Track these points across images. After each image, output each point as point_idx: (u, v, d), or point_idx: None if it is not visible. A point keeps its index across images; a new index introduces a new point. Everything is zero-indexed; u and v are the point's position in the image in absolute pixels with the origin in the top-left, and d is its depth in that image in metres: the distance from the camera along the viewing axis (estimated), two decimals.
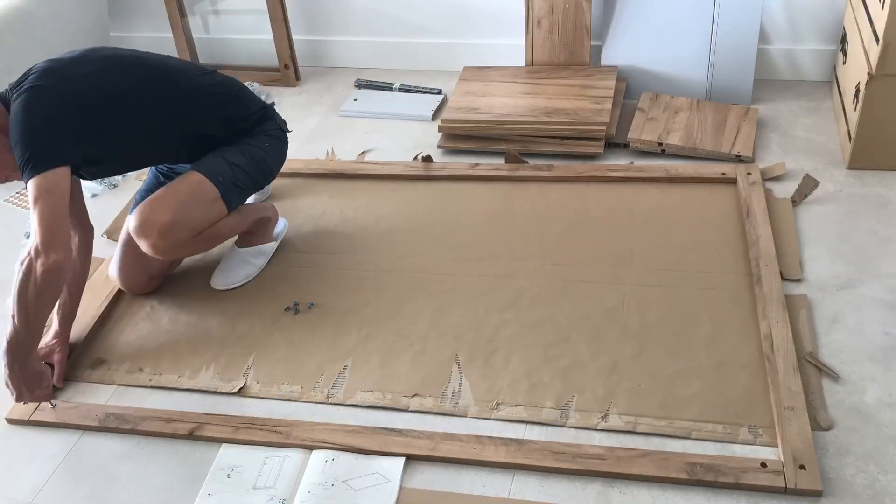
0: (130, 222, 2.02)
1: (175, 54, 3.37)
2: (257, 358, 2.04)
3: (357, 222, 2.46)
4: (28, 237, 2.34)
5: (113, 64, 2.01)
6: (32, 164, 1.81)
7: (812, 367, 1.85)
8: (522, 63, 3.02)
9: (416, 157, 2.74)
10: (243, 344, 2.09)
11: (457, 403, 1.87)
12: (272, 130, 2.22)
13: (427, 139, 2.84)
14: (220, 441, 1.83)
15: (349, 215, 2.49)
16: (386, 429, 1.80)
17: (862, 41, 2.42)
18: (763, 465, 1.63)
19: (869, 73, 2.29)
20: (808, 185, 2.35)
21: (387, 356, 2.00)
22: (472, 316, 2.08)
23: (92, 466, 1.83)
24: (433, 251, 2.31)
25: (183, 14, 3.33)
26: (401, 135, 2.91)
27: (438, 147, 2.77)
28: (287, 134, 2.29)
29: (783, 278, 2.06)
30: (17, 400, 1.88)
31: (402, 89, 3.16)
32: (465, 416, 1.84)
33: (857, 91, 2.39)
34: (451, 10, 3.17)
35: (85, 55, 2.00)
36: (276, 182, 2.56)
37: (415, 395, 1.90)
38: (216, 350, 2.08)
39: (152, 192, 2.16)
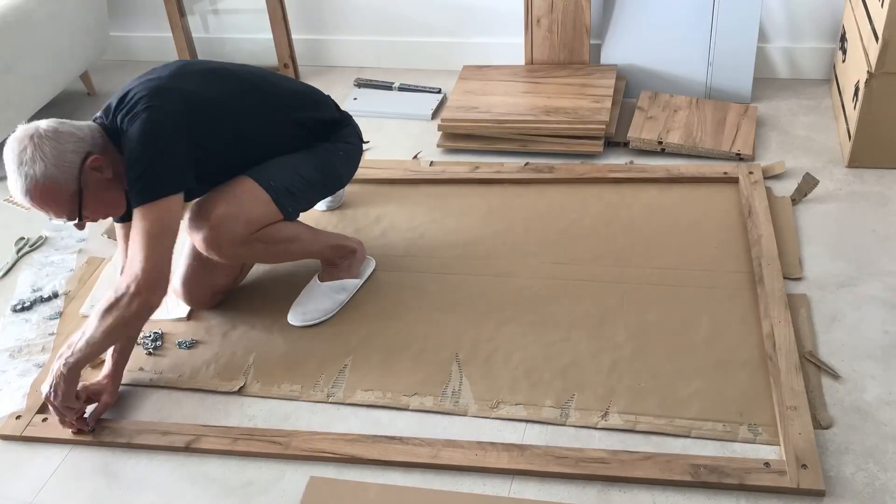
0: (185, 219, 1.93)
1: (175, 54, 3.37)
2: (257, 357, 2.05)
3: (356, 222, 2.46)
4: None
5: (213, 76, 1.95)
6: (149, 190, 1.75)
7: (812, 366, 1.85)
8: (522, 62, 3.02)
9: (415, 157, 2.75)
10: (243, 343, 2.09)
11: (457, 402, 1.87)
12: (350, 138, 2.16)
13: (426, 138, 2.84)
14: (217, 453, 1.82)
15: (349, 215, 2.49)
16: (386, 437, 1.80)
17: (861, 39, 2.42)
18: (766, 464, 1.63)
19: (868, 72, 2.29)
20: (807, 184, 2.35)
21: (387, 355, 2.00)
22: (472, 315, 2.08)
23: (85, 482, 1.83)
24: (433, 250, 2.31)
25: (182, 13, 3.33)
26: (400, 134, 2.91)
27: (438, 146, 2.77)
28: (364, 144, 2.23)
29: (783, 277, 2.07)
30: (62, 423, 1.86)
31: (402, 88, 3.16)
32: (464, 414, 1.84)
33: (857, 89, 2.39)
34: (450, 9, 3.17)
35: (181, 71, 1.92)
36: None
37: (415, 393, 1.90)
38: (216, 349, 2.08)
39: None
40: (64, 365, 1.78)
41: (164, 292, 1.80)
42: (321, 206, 2.49)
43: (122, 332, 1.81)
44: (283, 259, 2.18)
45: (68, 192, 1.73)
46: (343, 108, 3.04)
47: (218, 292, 2.18)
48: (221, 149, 1.93)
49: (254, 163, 2.01)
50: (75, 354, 1.78)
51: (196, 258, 2.08)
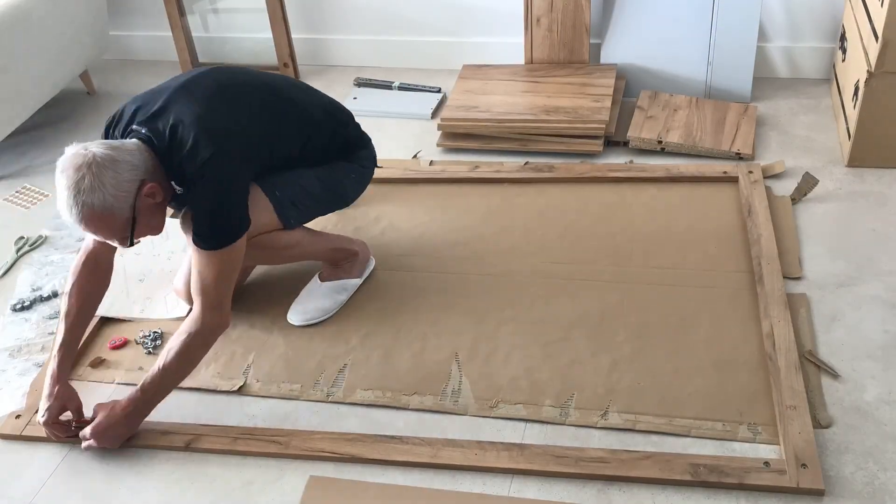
0: (182, 218, 1.91)
1: (175, 54, 3.37)
2: (257, 356, 2.05)
3: (356, 221, 2.46)
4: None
5: (252, 103, 1.90)
6: (225, 237, 1.78)
7: (812, 366, 1.85)
8: (522, 61, 3.02)
9: (415, 156, 2.75)
10: (243, 342, 2.09)
11: (456, 401, 1.87)
12: (366, 161, 2.15)
13: (426, 137, 2.84)
14: (217, 453, 1.82)
15: (349, 214, 2.49)
16: (386, 436, 1.80)
17: (861, 39, 2.42)
18: (766, 464, 1.63)
19: (868, 71, 2.29)
20: (807, 183, 2.35)
21: (386, 354, 2.00)
22: (472, 314, 2.08)
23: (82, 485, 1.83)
24: (433, 250, 2.31)
25: (182, 13, 3.33)
26: (400, 133, 2.91)
27: (438, 146, 2.77)
28: (376, 168, 2.21)
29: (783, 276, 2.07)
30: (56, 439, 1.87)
31: (402, 88, 3.16)
32: (464, 414, 1.84)
33: (857, 89, 2.39)
34: (450, 9, 3.17)
35: (222, 90, 1.87)
36: None
37: (414, 393, 1.90)
38: (216, 348, 2.07)
39: None
40: (130, 413, 1.81)
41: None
42: None
43: (194, 367, 1.86)
44: (283, 262, 2.19)
45: (122, 220, 1.71)
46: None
47: None
48: (260, 171, 1.93)
49: (279, 171, 2.01)
50: (144, 404, 1.82)
51: None
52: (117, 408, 1.80)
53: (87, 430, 1.80)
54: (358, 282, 2.19)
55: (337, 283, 2.16)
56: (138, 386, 1.81)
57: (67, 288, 1.94)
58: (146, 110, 1.81)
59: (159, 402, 1.83)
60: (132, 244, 1.77)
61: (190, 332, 1.80)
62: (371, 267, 2.25)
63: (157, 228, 1.83)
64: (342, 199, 2.14)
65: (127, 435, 1.83)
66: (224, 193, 1.79)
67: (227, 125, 1.81)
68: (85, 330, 2.01)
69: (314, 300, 2.14)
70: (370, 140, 2.20)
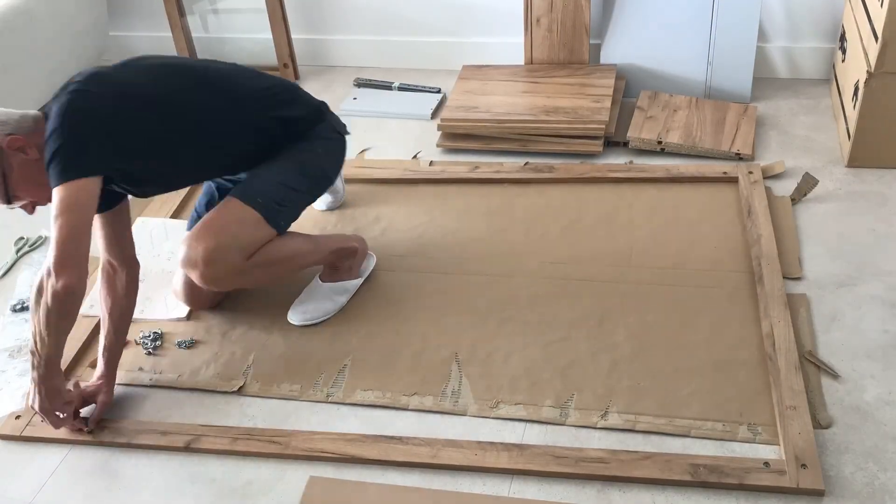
0: (179, 254, 1.92)
1: (174, 54, 3.37)
2: (257, 357, 2.05)
3: (356, 222, 2.46)
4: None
5: (162, 70, 1.92)
6: (61, 170, 1.70)
7: (811, 366, 1.85)
8: (521, 62, 3.02)
9: (415, 156, 2.75)
10: (243, 342, 2.09)
11: (456, 402, 1.87)
12: (326, 133, 2.09)
13: (426, 138, 2.84)
14: (217, 453, 1.82)
15: (348, 214, 2.49)
16: (386, 437, 1.80)
17: (861, 39, 2.42)
18: (766, 464, 1.63)
19: (868, 71, 2.29)
20: (807, 184, 2.35)
21: (386, 355, 2.00)
22: (472, 314, 2.08)
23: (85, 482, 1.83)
24: (433, 250, 2.31)
25: (182, 13, 3.33)
26: (400, 134, 2.91)
27: (437, 146, 2.77)
28: (345, 136, 2.16)
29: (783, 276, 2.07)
30: (55, 426, 1.85)
31: (402, 88, 3.16)
32: (464, 414, 1.84)
33: (856, 89, 2.39)
34: (450, 9, 3.17)
35: (130, 62, 1.92)
36: None
37: (414, 393, 1.90)
38: (216, 349, 2.08)
39: (209, 203, 2.11)
40: (34, 371, 1.78)
41: (79, 272, 1.71)
42: (321, 205, 2.49)
43: (56, 321, 1.73)
44: (286, 275, 2.11)
45: None
46: (343, 107, 3.07)
47: (217, 293, 2.17)
48: (169, 147, 1.88)
49: (226, 167, 2.01)
50: (36, 357, 1.77)
51: None
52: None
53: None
54: (359, 282, 2.19)
55: (337, 285, 2.15)
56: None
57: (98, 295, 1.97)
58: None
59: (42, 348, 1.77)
60: (11, 201, 1.79)
61: (39, 286, 1.72)
62: (372, 263, 2.24)
63: (47, 188, 1.76)
64: (323, 180, 2.10)
65: (55, 392, 1.80)
66: (65, 124, 1.72)
67: (111, 74, 1.84)
68: (122, 337, 1.98)
69: (315, 301, 2.13)
70: (327, 110, 2.14)
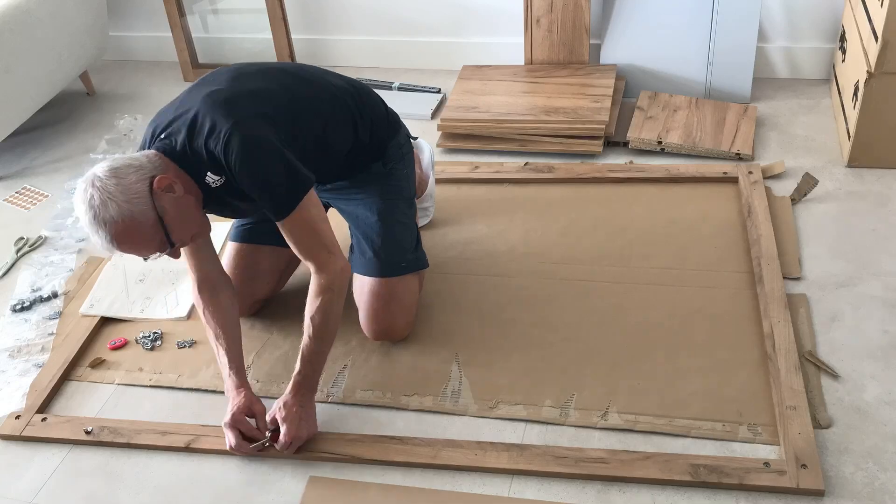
0: (367, 328, 2.00)
1: (174, 54, 3.37)
2: (257, 357, 2.05)
3: None
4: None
5: (272, 73, 1.86)
6: (293, 198, 1.70)
7: (811, 366, 1.85)
8: (521, 62, 3.02)
9: None
10: (243, 342, 2.08)
11: (456, 402, 1.87)
12: (406, 146, 2.07)
13: (426, 138, 2.83)
14: (217, 453, 1.81)
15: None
16: (386, 437, 1.80)
17: (861, 39, 2.42)
18: (766, 464, 1.63)
19: (868, 72, 2.29)
20: (807, 184, 2.35)
21: (386, 355, 2.00)
22: (472, 314, 2.09)
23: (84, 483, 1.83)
24: (432, 250, 2.31)
25: (182, 13, 3.33)
26: None
27: (437, 146, 2.77)
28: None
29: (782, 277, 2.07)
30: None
31: (402, 88, 3.16)
32: (464, 414, 1.84)
33: (856, 89, 2.39)
34: (449, 9, 3.17)
35: (240, 73, 1.83)
36: None
37: (414, 393, 1.90)
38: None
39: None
40: (301, 396, 1.77)
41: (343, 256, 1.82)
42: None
43: (339, 310, 1.81)
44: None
45: (149, 223, 1.62)
46: None
47: (258, 300, 2.14)
48: (321, 148, 1.87)
49: (334, 172, 1.97)
50: (312, 378, 1.79)
51: (237, 268, 2.05)
52: (289, 402, 1.76)
53: (282, 444, 1.75)
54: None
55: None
56: (298, 364, 1.78)
57: (202, 318, 1.91)
58: (160, 125, 1.76)
59: (321, 369, 1.81)
60: (173, 245, 1.69)
61: (322, 290, 1.76)
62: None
63: (198, 225, 1.75)
64: (414, 196, 2.13)
65: (313, 413, 1.80)
66: (267, 156, 1.69)
67: (239, 93, 1.75)
68: (241, 347, 1.93)
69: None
70: (397, 117, 2.09)
